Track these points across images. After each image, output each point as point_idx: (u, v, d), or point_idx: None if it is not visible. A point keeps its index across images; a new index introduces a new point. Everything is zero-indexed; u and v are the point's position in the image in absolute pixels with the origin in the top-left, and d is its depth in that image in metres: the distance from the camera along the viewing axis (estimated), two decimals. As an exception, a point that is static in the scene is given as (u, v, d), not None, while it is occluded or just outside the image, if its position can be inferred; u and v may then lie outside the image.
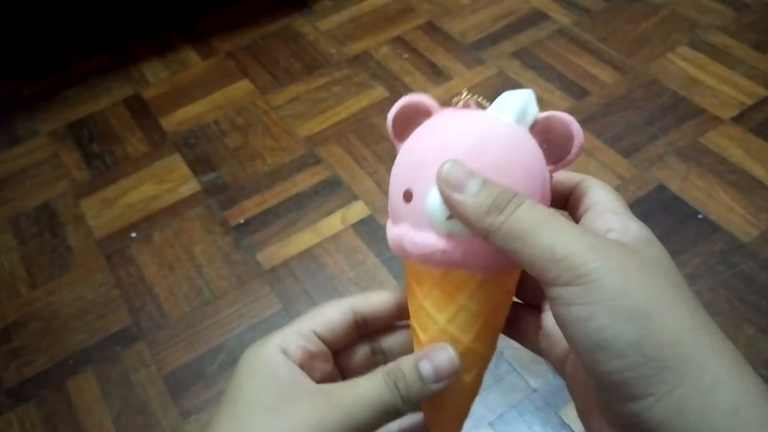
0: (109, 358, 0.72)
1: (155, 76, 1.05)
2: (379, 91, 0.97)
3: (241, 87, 1.01)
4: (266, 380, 0.25)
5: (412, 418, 0.30)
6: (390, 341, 0.30)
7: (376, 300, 0.29)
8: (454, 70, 0.99)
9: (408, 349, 0.28)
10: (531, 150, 0.25)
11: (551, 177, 0.25)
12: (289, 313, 0.73)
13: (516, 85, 0.95)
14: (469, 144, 0.24)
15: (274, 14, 1.13)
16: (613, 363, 0.20)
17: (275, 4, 1.15)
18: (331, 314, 0.28)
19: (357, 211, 0.82)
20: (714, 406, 0.19)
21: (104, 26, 1.16)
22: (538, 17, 1.06)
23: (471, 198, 0.23)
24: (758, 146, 0.83)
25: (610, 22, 1.03)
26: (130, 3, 1.19)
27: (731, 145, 0.84)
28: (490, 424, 0.63)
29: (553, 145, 0.25)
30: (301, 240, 0.80)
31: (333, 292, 0.75)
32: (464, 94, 0.26)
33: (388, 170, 0.89)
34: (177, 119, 0.98)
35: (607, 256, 0.21)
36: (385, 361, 0.30)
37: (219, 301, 0.76)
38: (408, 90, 0.96)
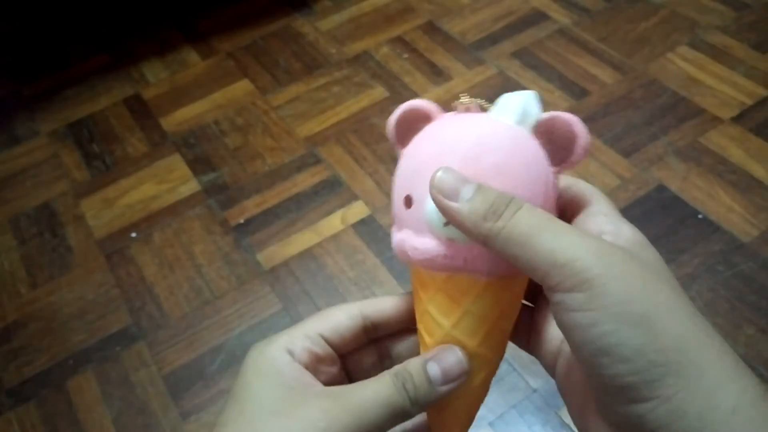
0: (109, 358, 0.72)
1: (155, 76, 1.05)
2: (379, 91, 0.97)
3: (241, 87, 1.01)
4: (273, 381, 0.25)
5: (415, 420, 0.29)
6: (398, 344, 0.30)
7: (386, 305, 0.29)
8: (454, 70, 0.99)
9: (416, 353, 0.28)
10: (533, 152, 0.24)
11: (556, 178, 0.25)
12: (289, 313, 0.73)
13: (516, 85, 0.95)
14: (467, 148, 0.24)
15: (274, 14, 1.13)
16: (617, 368, 0.20)
17: (275, 4, 1.15)
18: (340, 318, 0.28)
19: (357, 211, 0.82)
20: (714, 407, 0.19)
21: (104, 26, 1.16)
22: (538, 17, 1.06)
23: (466, 205, 0.22)
24: (758, 146, 0.83)
25: (610, 22, 1.03)
26: (130, 3, 1.19)
27: (731, 145, 0.84)
28: (490, 424, 0.63)
29: (557, 146, 0.25)
30: (301, 240, 0.80)
31: (333, 292, 0.75)
32: (465, 98, 0.26)
33: (388, 170, 0.89)
34: (177, 119, 0.98)
35: (610, 262, 0.21)
36: (393, 365, 0.30)
37: (219, 301, 0.76)
38: (408, 90, 0.96)
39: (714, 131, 0.85)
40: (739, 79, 0.91)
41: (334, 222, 0.81)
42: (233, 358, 0.71)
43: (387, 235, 0.79)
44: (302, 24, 1.11)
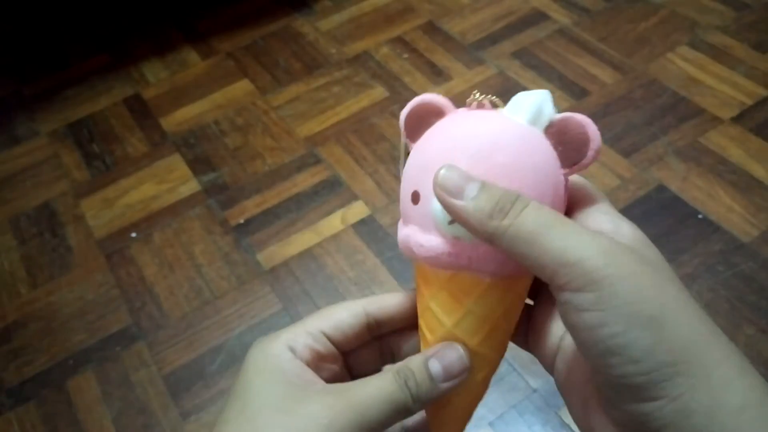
0: (109, 358, 0.72)
1: (155, 76, 1.05)
2: (379, 91, 0.97)
3: (241, 87, 1.01)
4: (275, 378, 0.25)
5: (414, 417, 0.29)
6: (400, 341, 0.30)
7: (390, 302, 0.29)
8: (454, 70, 0.99)
9: (418, 350, 0.28)
10: (543, 153, 0.24)
11: (566, 180, 0.25)
12: (289, 313, 0.73)
13: (516, 85, 0.95)
14: (478, 146, 0.24)
15: (274, 14, 1.13)
16: (626, 368, 0.20)
17: (275, 4, 1.15)
18: (343, 316, 0.28)
19: (357, 211, 0.82)
20: (722, 405, 0.19)
21: (104, 26, 1.16)
22: (538, 17, 1.06)
23: (471, 202, 0.22)
24: (758, 146, 0.83)
25: (610, 22, 1.03)
26: (130, 3, 1.19)
27: (731, 145, 0.84)
28: (490, 424, 0.63)
29: (568, 147, 0.24)
30: (301, 240, 0.80)
31: (333, 292, 0.75)
32: (478, 95, 0.26)
33: (388, 170, 0.89)
34: (177, 119, 0.98)
35: (620, 262, 0.20)
36: (395, 361, 0.30)
37: (219, 301, 0.76)
38: (408, 90, 0.96)
39: (714, 131, 0.85)
40: (739, 79, 0.91)
41: (334, 222, 0.81)
42: (233, 358, 0.71)
43: (387, 235, 0.79)
44: (302, 24, 1.11)
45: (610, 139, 0.85)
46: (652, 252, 0.23)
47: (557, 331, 0.26)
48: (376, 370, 0.28)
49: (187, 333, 0.73)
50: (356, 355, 0.29)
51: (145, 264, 0.80)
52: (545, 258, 0.21)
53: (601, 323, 0.20)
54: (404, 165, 0.27)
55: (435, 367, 0.26)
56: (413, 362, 0.26)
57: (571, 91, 0.93)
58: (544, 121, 0.24)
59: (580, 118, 0.24)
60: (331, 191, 0.85)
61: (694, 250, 0.73)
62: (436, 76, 0.98)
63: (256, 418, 0.24)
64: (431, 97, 0.26)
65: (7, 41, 1.15)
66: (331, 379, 0.27)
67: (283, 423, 0.24)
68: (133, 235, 0.83)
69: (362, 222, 0.81)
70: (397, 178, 0.27)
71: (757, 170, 0.80)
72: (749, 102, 0.88)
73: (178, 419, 0.67)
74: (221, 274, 0.78)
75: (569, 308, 0.21)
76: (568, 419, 0.62)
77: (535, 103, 0.24)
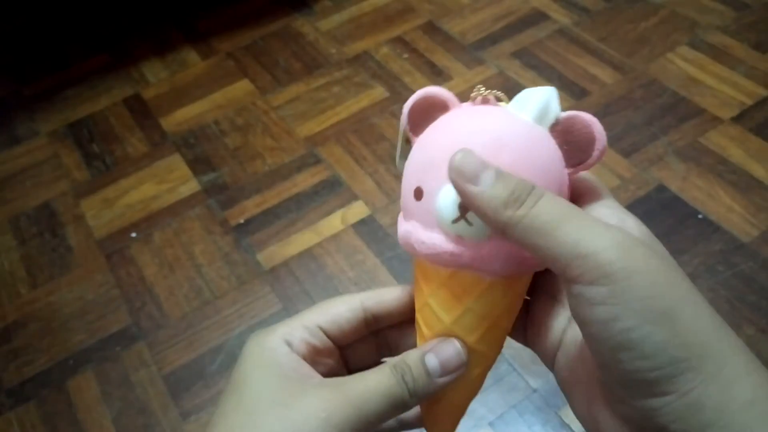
0: (109, 358, 0.72)
1: (155, 76, 1.05)
2: (379, 91, 0.97)
3: (241, 87, 1.01)
4: (271, 372, 0.25)
5: (410, 411, 0.29)
6: (397, 336, 0.30)
7: (388, 297, 0.28)
8: (454, 70, 0.99)
9: (414, 344, 0.28)
10: (549, 152, 0.24)
11: (570, 180, 0.25)
12: (289, 313, 0.73)
13: (516, 85, 0.95)
14: (483, 143, 0.23)
15: (274, 14, 1.13)
16: (638, 363, 0.20)
17: (275, 4, 1.15)
18: (340, 311, 0.28)
19: (357, 211, 0.82)
20: (731, 400, 0.19)
21: (104, 26, 1.16)
22: (538, 17, 1.06)
23: (488, 189, 0.22)
24: (758, 146, 0.83)
25: (610, 22, 1.03)
26: (130, 3, 1.19)
27: (731, 145, 0.84)
28: (490, 424, 0.63)
29: (573, 147, 0.24)
30: (301, 240, 0.80)
31: (333, 292, 0.75)
32: (482, 89, 0.25)
33: (388, 170, 0.89)
34: (177, 119, 0.98)
35: (634, 256, 0.20)
36: (390, 355, 0.30)
37: (219, 301, 0.76)
38: (408, 90, 0.96)
39: (714, 131, 0.85)
40: (739, 79, 0.91)
41: (334, 222, 0.81)
42: (233, 358, 0.71)
43: (387, 235, 0.79)
44: (302, 24, 1.11)
45: (610, 139, 0.85)
46: (658, 248, 0.23)
47: (558, 326, 0.26)
48: (374, 364, 0.28)
49: (187, 333, 0.73)
50: (353, 349, 0.29)
51: (145, 264, 0.80)
52: (558, 250, 0.20)
53: (614, 317, 0.20)
54: (401, 152, 0.27)
55: (432, 362, 0.25)
56: (410, 357, 0.26)
57: (571, 91, 0.93)
58: (550, 119, 0.24)
59: (587, 117, 0.24)
60: (331, 191, 0.85)
61: (694, 250, 0.73)
62: (436, 76, 0.98)
63: (253, 412, 0.24)
64: (436, 91, 0.26)
65: (7, 41, 1.15)
66: (327, 374, 0.27)
67: (280, 416, 0.23)
68: (133, 235, 0.83)
69: (362, 222, 0.81)
70: (397, 177, 0.27)
71: (757, 170, 0.80)
72: (749, 102, 0.88)
73: (178, 419, 0.67)
74: (221, 274, 0.78)
75: (581, 301, 0.20)
76: (568, 419, 0.62)
77: (541, 101, 0.24)
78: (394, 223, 0.79)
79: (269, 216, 0.83)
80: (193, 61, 1.07)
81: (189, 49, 1.09)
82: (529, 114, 0.24)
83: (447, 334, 0.26)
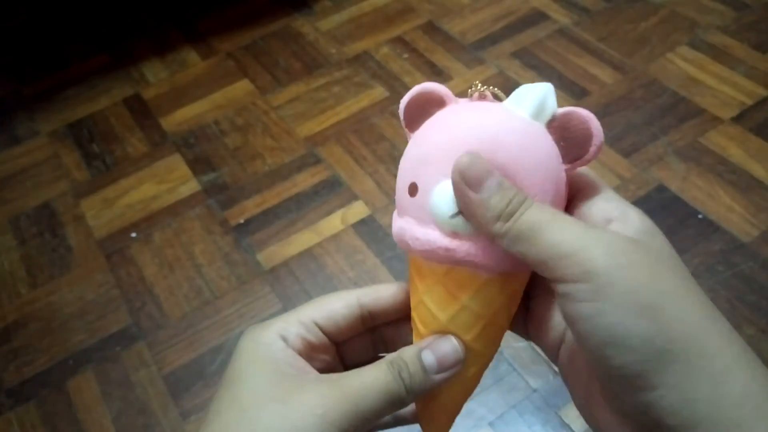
0: (109, 358, 0.72)
1: (155, 76, 1.05)
2: (379, 91, 0.97)
3: (241, 87, 1.01)
4: (267, 367, 0.25)
5: (406, 408, 0.29)
6: (393, 332, 0.30)
7: (384, 293, 0.28)
8: (454, 70, 0.99)
9: (411, 340, 0.28)
10: (546, 149, 0.24)
11: (567, 175, 0.24)
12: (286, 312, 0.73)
13: (516, 85, 0.94)
14: (479, 140, 0.23)
15: (274, 14, 1.13)
16: (624, 358, 0.20)
17: (275, 4, 1.15)
18: (336, 307, 0.28)
19: (357, 211, 0.82)
20: (723, 394, 0.19)
21: (104, 26, 1.16)
22: (538, 17, 1.06)
23: (486, 198, 0.22)
24: (758, 146, 0.83)
25: (610, 22, 1.03)
26: (130, 3, 1.19)
27: (731, 145, 0.84)
28: (490, 424, 0.63)
29: (570, 143, 0.24)
30: (301, 240, 0.80)
31: (333, 292, 0.75)
32: (479, 86, 0.25)
33: (388, 170, 0.89)
34: (177, 119, 0.98)
35: (615, 252, 0.21)
36: (386, 351, 0.30)
37: (219, 301, 0.76)
38: (408, 90, 0.96)
39: (714, 131, 0.85)
40: (739, 79, 0.91)
41: (334, 222, 0.81)
42: (231, 357, 0.70)
43: (387, 235, 0.79)
44: (302, 24, 1.11)
45: (610, 139, 0.85)
46: (657, 240, 0.23)
47: (559, 321, 0.26)
48: (369, 359, 0.28)
49: (187, 333, 0.73)
50: (349, 345, 0.29)
51: (145, 264, 0.80)
52: (543, 253, 0.21)
53: (598, 313, 0.20)
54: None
55: (429, 358, 0.25)
56: (407, 353, 0.26)
57: (571, 91, 0.93)
58: (547, 115, 0.24)
59: (584, 113, 0.24)
60: (331, 191, 0.85)
61: (694, 250, 0.73)
62: (436, 76, 0.98)
63: (248, 408, 0.24)
64: (432, 86, 0.26)
65: (7, 41, 1.15)
66: (323, 369, 0.27)
67: (276, 412, 0.23)
68: (133, 235, 0.83)
69: (362, 222, 0.81)
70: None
71: (757, 170, 0.80)
72: (749, 102, 0.88)
73: (178, 419, 0.67)
74: (221, 274, 0.78)
75: (567, 300, 0.21)
76: (568, 419, 0.62)
77: (538, 97, 0.24)
78: (394, 223, 0.79)
79: (269, 216, 0.83)
80: (193, 61, 1.07)
81: (189, 49, 1.09)
82: (525, 111, 0.24)
83: (443, 332, 0.26)
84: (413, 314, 0.27)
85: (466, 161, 0.22)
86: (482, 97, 0.25)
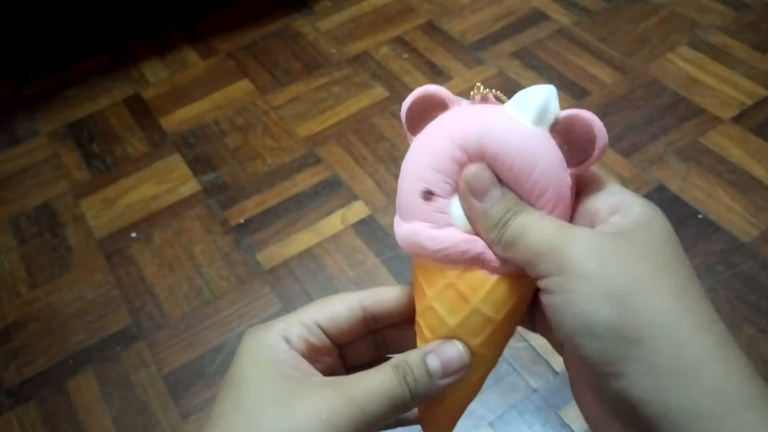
0: (109, 358, 0.72)
1: (155, 76, 1.05)
2: (379, 91, 0.97)
3: (241, 87, 1.01)
4: (271, 369, 0.25)
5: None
6: (395, 334, 0.29)
7: (387, 296, 0.28)
8: (454, 70, 0.99)
9: (413, 341, 0.28)
10: (548, 155, 0.24)
11: (572, 179, 0.25)
12: (288, 313, 0.73)
13: (516, 85, 0.95)
14: (484, 149, 0.24)
15: (274, 14, 1.13)
16: (594, 346, 0.21)
17: (275, 4, 1.15)
18: (339, 309, 0.28)
19: (357, 211, 0.82)
20: (695, 385, 0.20)
21: (104, 26, 1.16)
22: (538, 17, 1.06)
23: (489, 208, 0.24)
24: (758, 146, 0.83)
25: (610, 22, 1.03)
26: (130, 3, 1.19)
27: (731, 145, 0.84)
28: (490, 424, 0.63)
29: (574, 146, 0.24)
30: (301, 240, 0.80)
31: (333, 292, 0.75)
32: (481, 88, 0.25)
33: (389, 170, 0.89)
34: (177, 119, 0.98)
35: (587, 246, 0.22)
36: (388, 352, 0.30)
37: (219, 301, 0.76)
38: (408, 90, 0.96)
39: (714, 131, 0.85)
40: (739, 79, 0.91)
41: (334, 222, 0.81)
42: (233, 358, 0.70)
43: (387, 235, 0.79)
44: (302, 24, 1.11)
45: (610, 139, 0.84)
46: (654, 229, 0.23)
47: None
48: (371, 361, 0.28)
49: (187, 333, 0.73)
50: (350, 347, 0.29)
51: (145, 264, 0.80)
52: (526, 255, 0.23)
53: (568, 303, 0.21)
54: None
55: (434, 363, 0.25)
56: (411, 357, 0.26)
57: (571, 91, 0.93)
58: (550, 119, 0.24)
59: (586, 116, 0.24)
60: (331, 191, 0.85)
61: (694, 250, 0.73)
62: (436, 76, 0.98)
63: (252, 411, 0.24)
64: (434, 89, 0.26)
65: (7, 41, 1.15)
66: (325, 371, 0.27)
67: (281, 416, 0.23)
68: (133, 235, 0.83)
69: (362, 222, 0.81)
70: (398, 177, 0.27)
71: (757, 170, 0.80)
72: (749, 102, 0.88)
73: (178, 419, 0.67)
74: (221, 274, 0.78)
75: (544, 293, 0.22)
76: (568, 419, 0.62)
77: (539, 102, 0.24)
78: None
79: (269, 216, 0.83)
80: (193, 61, 1.07)
81: (189, 49, 1.09)
82: (528, 116, 0.24)
83: (451, 337, 0.26)
84: (419, 320, 0.27)
85: (473, 172, 0.24)
86: (484, 99, 0.25)
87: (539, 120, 0.24)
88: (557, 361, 0.65)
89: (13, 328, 0.76)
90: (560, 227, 0.23)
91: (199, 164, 0.91)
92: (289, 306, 0.74)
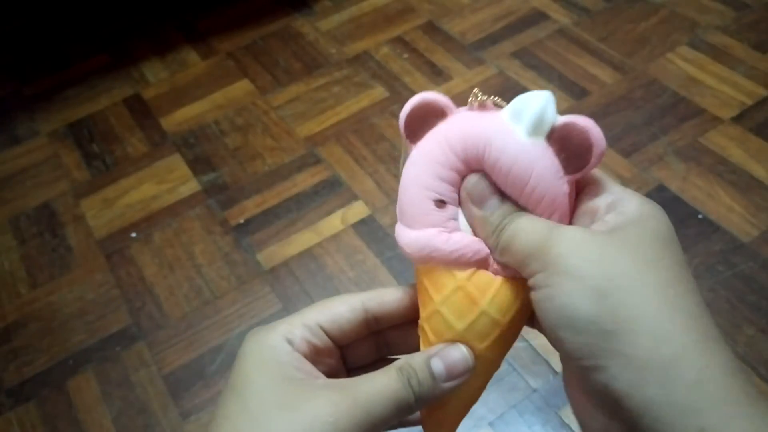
0: (109, 358, 0.72)
1: (155, 76, 1.05)
2: (379, 91, 0.97)
3: (241, 87, 1.01)
4: (275, 372, 0.25)
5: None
6: (396, 335, 0.29)
7: (389, 298, 0.29)
8: (454, 70, 0.99)
9: (414, 342, 0.28)
10: (544, 166, 0.24)
11: (570, 186, 0.25)
12: (289, 313, 0.73)
13: (516, 85, 0.94)
14: (481, 159, 0.25)
15: (274, 14, 1.13)
16: (574, 339, 0.21)
17: (275, 4, 1.15)
18: (340, 310, 0.28)
19: (357, 211, 0.82)
20: (675, 378, 0.20)
21: (104, 26, 1.16)
22: (538, 17, 1.06)
23: (488, 215, 0.25)
24: (758, 146, 0.83)
25: (610, 22, 1.03)
26: (130, 3, 1.19)
27: (731, 145, 0.84)
28: (490, 424, 0.63)
29: (571, 154, 0.24)
30: (301, 240, 0.80)
31: (333, 292, 0.75)
32: (479, 95, 0.25)
33: (389, 170, 0.89)
34: (177, 119, 0.98)
35: (571, 243, 0.22)
36: (389, 353, 0.30)
37: (219, 301, 0.76)
38: (408, 90, 0.96)
39: (714, 131, 0.85)
40: (739, 79, 0.91)
41: (334, 222, 0.81)
42: (233, 358, 0.70)
43: (387, 235, 0.79)
44: (302, 24, 1.11)
45: (610, 139, 0.85)
46: (648, 225, 0.23)
47: None
48: (372, 362, 0.28)
49: (187, 333, 0.73)
50: (352, 348, 0.29)
51: (145, 264, 0.80)
52: (517, 258, 0.24)
53: (550, 297, 0.22)
54: (403, 159, 0.27)
55: (438, 366, 0.25)
56: (415, 360, 0.26)
57: (571, 91, 0.93)
58: (546, 128, 0.24)
59: (583, 124, 0.24)
60: (331, 191, 0.85)
61: (694, 250, 0.73)
62: (436, 76, 0.98)
63: (258, 415, 0.24)
64: (432, 97, 0.26)
65: (7, 41, 1.15)
66: (327, 373, 0.27)
67: (287, 419, 0.23)
68: (133, 235, 0.83)
69: (362, 222, 0.81)
70: (398, 177, 0.27)
71: (757, 170, 0.80)
72: (749, 102, 0.88)
73: (178, 419, 0.67)
74: (221, 274, 0.78)
75: (532, 290, 0.23)
76: (568, 419, 0.62)
77: (535, 113, 0.24)
78: (394, 224, 0.79)
79: (269, 216, 0.83)
80: (193, 61, 1.07)
81: (189, 49, 1.09)
82: (524, 127, 0.24)
83: (457, 341, 0.26)
84: (424, 325, 0.27)
85: (472, 181, 0.25)
86: (482, 106, 0.26)
87: (535, 130, 0.24)
88: (557, 361, 0.65)
89: (13, 328, 0.76)
90: (548, 227, 0.23)
91: (199, 164, 0.91)
92: (289, 306, 0.74)
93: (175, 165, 0.91)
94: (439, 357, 0.26)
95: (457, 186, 0.26)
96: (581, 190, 0.26)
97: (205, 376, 0.70)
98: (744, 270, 0.71)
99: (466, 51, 1.02)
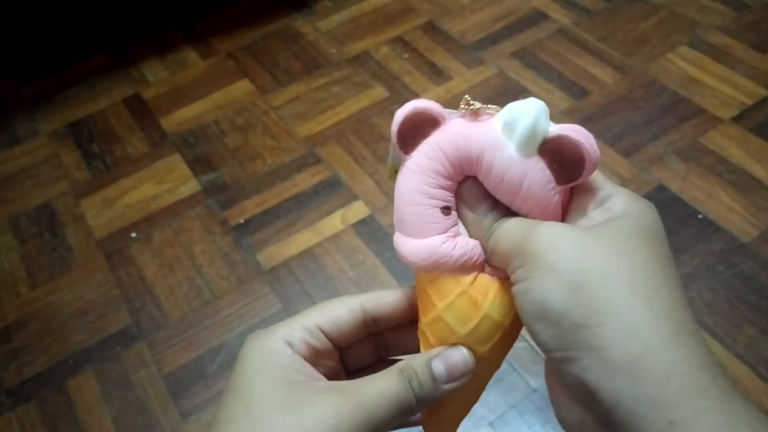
0: (109, 358, 0.72)
1: (155, 76, 1.05)
2: (379, 91, 0.97)
3: (241, 87, 1.01)
4: (276, 375, 0.25)
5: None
6: (395, 337, 0.30)
7: (388, 299, 0.29)
8: (454, 70, 0.99)
9: (413, 343, 0.28)
10: (534, 179, 0.25)
11: (562, 193, 0.25)
12: (289, 314, 0.73)
13: (516, 85, 0.94)
14: (476, 168, 0.26)
15: (274, 14, 1.13)
16: (547, 331, 0.22)
17: (275, 4, 1.15)
18: (340, 312, 0.28)
19: (357, 211, 0.82)
20: (644, 372, 0.20)
21: (104, 26, 1.16)
22: (538, 17, 1.06)
23: (480, 220, 0.26)
24: (758, 146, 0.83)
25: (610, 22, 1.03)
26: (130, 3, 1.19)
27: (731, 145, 0.84)
28: (490, 424, 0.63)
29: (563, 167, 0.24)
30: (301, 240, 0.80)
31: (333, 292, 0.75)
32: (470, 102, 0.25)
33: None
34: (177, 119, 0.98)
35: (545, 237, 0.23)
36: (388, 354, 0.30)
37: (219, 301, 0.76)
38: (408, 90, 0.96)
39: (714, 131, 0.85)
40: (739, 79, 0.91)
41: (334, 222, 0.81)
42: (233, 358, 0.70)
43: (387, 236, 0.79)
44: (302, 24, 1.11)
45: (610, 139, 0.85)
46: (631, 220, 0.23)
47: None
48: (371, 363, 0.28)
49: (187, 333, 0.73)
50: (351, 350, 0.29)
51: (145, 264, 0.80)
52: (503, 258, 0.24)
53: (526, 290, 0.23)
54: (394, 155, 0.27)
55: (438, 368, 0.26)
56: (416, 362, 0.26)
57: (571, 91, 0.93)
58: (538, 140, 0.24)
59: (574, 137, 0.24)
60: (331, 191, 0.85)
61: (694, 250, 0.73)
62: (436, 76, 0.98)
63: (261, 418, 0.24)
64: (424, 105, 0.25)
65: (7, 41, 1.15)
66: (327, 375, 0.27)
67: (289, 422, 0.23)
68: (133, 235, 0.83)
69: (362, 222, 0.81)
70: (390, 176, 0.27)
71: (757, 170, 0.80)
72: (749, 102, 0.88)
73: (178, 419, 0.67)
74: (221, 274, 0.78)
75: (513, 286, 0.24)
76: (568, 419, 0.62)
77: (527, 127, 0.24)
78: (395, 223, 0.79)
79: (269, 216, 0.83)
80: (193, 61, 1.07)
81: (189, 49, 1.09)
82: (515, 141, 0.24)
83: (459, 345, 0.26)
84: (425, 330, 0.27)
85: (466, 187, 0.26)
86: (475, 114, 0.25)
87: (526, 144, 0.24)
88: (557, 361, 0.65)
89: (13, 328, 0.76)
90: (528, 225, 0.24)
91: (199, 164, 0.91)
92: (289, 306, 0.74)
93: (175, 165, 0.91)
94: (440, 359, 0.26)
95: (454, 192, 0.26)
96: (575, 188, 0.26)
97: (205, 376, 0.70)
98: (744, 270, 0.71)
99: (466, 51, 1.02)
